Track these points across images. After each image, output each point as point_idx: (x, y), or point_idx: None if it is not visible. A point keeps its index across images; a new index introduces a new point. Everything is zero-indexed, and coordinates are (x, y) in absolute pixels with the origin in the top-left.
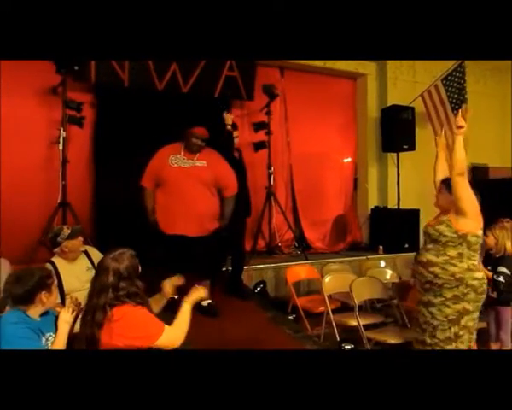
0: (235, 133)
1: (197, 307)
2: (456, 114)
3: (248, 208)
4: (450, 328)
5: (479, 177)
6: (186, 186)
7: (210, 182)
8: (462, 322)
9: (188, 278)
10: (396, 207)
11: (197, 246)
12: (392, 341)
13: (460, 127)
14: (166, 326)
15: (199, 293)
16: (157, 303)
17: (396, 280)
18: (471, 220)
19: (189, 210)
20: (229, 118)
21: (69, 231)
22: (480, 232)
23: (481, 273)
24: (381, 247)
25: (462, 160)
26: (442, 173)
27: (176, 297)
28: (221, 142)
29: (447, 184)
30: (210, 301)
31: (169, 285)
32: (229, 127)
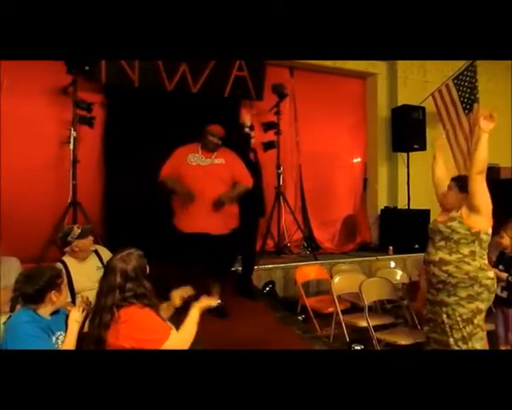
0: (252, 134)
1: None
2: (467, 114)
3: (262, 208)
4: (464, 327)
5: (490, 177)
6: (206, 184)
7: (228, 179)
8: (476, 321)
9: (203, 278)
10: (406, 207)
11: (219, 244)
12: (403, 342)
13: (491, 118)
14: (173, 331)
15: (210, 301)
16: (165, 312)
17: (406, 281)
18: (484, 218)
19: (211, 208)
20: (247, 118)
21: (79, 231)
22: (490, 231)
23: (492, 272)
24: (390, 247)
25: (485, 158)
26: (440, 173)
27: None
28: (236, 142)
29: (458, 182)
30: (219, 301)
31: (177, 296)
32: (247, 129)
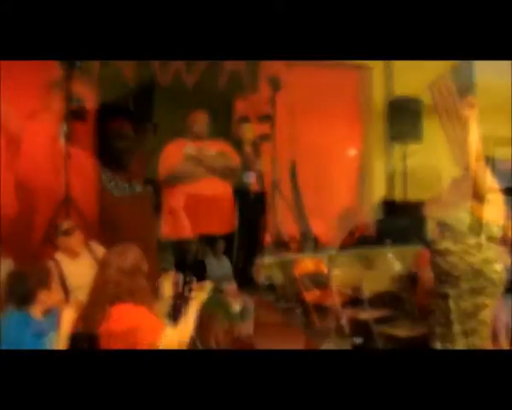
0: (249, 127)
1: (227, 313)
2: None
3: (263, 206)
4: (466, 322)
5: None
6: (203, 180)
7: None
8: (480, 317)
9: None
10: (403, 199)
11: (225, 243)
12: (403, 334)
13: (472, 106)
14: (168, 328)
15: (204, 291)
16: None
17: (405, 273)
18: (492, 209)
19: (211, 206)
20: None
21: (67, 228)
22: (502, 223)
23: (501, 265)
24: (388, 239)
25: (477, 145)
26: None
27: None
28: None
29: None
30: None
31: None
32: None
